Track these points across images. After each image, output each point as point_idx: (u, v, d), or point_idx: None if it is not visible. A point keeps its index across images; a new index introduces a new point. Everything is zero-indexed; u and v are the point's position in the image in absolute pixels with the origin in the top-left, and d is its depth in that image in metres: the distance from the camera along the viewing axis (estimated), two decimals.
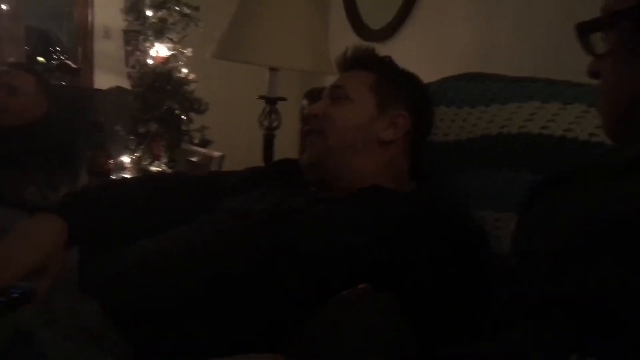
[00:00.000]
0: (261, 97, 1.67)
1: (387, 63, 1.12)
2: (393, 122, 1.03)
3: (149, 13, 1.74)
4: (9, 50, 3.96)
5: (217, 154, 1.63)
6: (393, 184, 1.02)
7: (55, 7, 6.04)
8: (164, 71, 1.74)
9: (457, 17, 1.83)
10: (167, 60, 1.76)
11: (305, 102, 1.51)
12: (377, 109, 1.03)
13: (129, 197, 1.05)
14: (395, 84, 1.06)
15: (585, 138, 0.90)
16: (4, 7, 3.97)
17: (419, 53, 1.97)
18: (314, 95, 1.50)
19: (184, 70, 1.80)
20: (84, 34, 4.44)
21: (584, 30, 0.59)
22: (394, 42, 2.14)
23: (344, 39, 2.40)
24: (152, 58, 1.76)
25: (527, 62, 1.52)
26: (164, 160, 1.71)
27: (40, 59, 4.89)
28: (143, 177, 1.61)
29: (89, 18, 4.39)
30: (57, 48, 5.44)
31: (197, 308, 0.83)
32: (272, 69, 1.64)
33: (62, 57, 4.67)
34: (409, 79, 1.11)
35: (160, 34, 1.75)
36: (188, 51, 1.80)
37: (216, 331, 0.81)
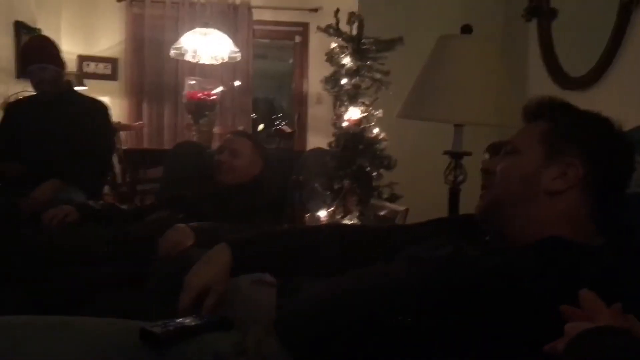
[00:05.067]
0: (446, 152, 1.71)
1: (563, 111, 1.08)
2: (563, 171, 0.98)
3: (344, 81, 1.93)
4: (239, 119, 4.64)
5: (401, 208, 1.71)
6: (573, 236, 0.97)
7: (279, 79, 6.90)
8: (357, 132, 1.90)
9: None
10: (359, 121, 1.91)
11: (486, 155, 1.51)
12: (545, 159, 1.00)
13: (306, 242, 1.18)
14: (569, 132, 1.02)
15: None
16: (237, 84, 4.69)
17: (626, 100, 1.82)
18: (495, 148, 1.49)
19: (375, 130, 1.93)
20: (299, 101, 5.01)
21: None
22: (597, 90, 2.00)
23: (542, 89, 2.32)
24: (347, 121, 1.93)
25: None
26: (355, 214, 1.83)
27: (260, 126, 5.59)
28: (324, 225, 1.75)
29: (304, 87, 4.94)
30: (279, 114, 6.18)
31: (370, 349, 0.89)
32: (457, 125, 1.67)
33: (282, 123, 5.30)
34: (589, 126, 1.04)
35: (354, 99, 1.92)
36: (379, 112, 1.94)
37: None
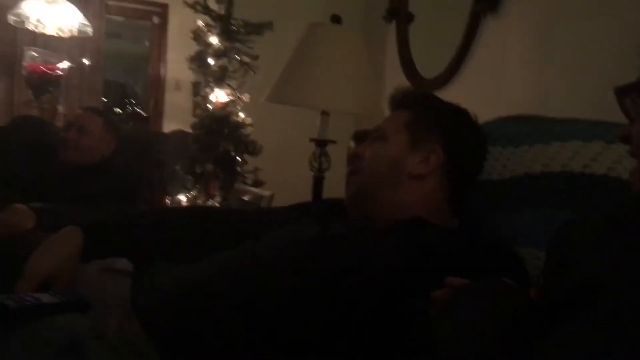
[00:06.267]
0: (312, 140, 1.73)
1: (427, 100, 1.15)
2: (426, 157, 1.05)
3: (210, 61, 1.86)
4: (88, 100, 4.27)
5: (267, 193, 1.69)
6: (431, 217, 1.03)
7: (133, 62, 6.50)
8: (222, 115, 1.84)
9: (511, 67, 1.84)
10: (225, 105, 1.86)
11: (352, 143, 1.55)
12: (409, 145, 1.06)
13: (167, 223, 1.11)
14: (432, 120, 1.08)
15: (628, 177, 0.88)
16: (86, 62, 4.32)
17: (472, 101, 1.99)
18: (360, 137, 1.54)
19: (241, 115, 1.89)
20: (156, 86, 4.75)
21: (621, 93, 0.61)
22: (447, 91, 2.16)
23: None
24: (212, 103, 1.87)
25: (580, 108, 1.51)
26: (218, 199, 1.78)
27: (117, 110, 5.24)
28: (188, 207, 1.69)
29: (162, 72, 4.70)
30: (132, 100, 5.82)
31: (237, 332, 0.85)
32: (324, 113, 1.69)
33: (136, 108, 5.00)
34: (450, 116, 1.12)
35: (220, 81, 1.86)
36: (245, 97, 1.90)
37: (256, 354, 0.83)
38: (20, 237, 1.41)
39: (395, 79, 2.48)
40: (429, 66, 2.31)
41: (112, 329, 0.89)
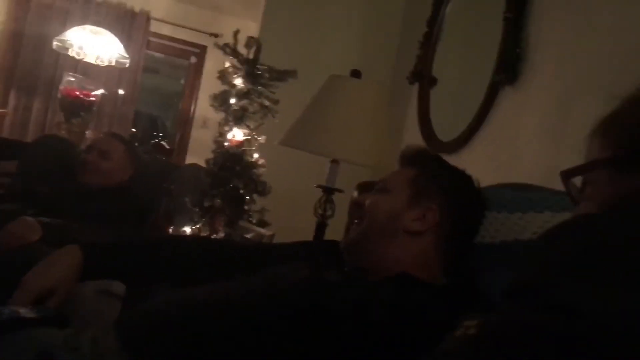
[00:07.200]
0: (319, 186, 1.76)
1: (433, 162, 1.18)
2: (423, 215, 1.07)
3: (232, 101, 1.94)
4: (118, 129, 4.42)
5: (268, 232, 1.72)
6: (423, 274, 1.04)
7: (167, 98, 6.73)
8: (237, 153, 1.90)
9: (525, 138, 1.87)
10: (241, 144, 1.92)
11: (355, 194, 1.58)
12: (409, 201, 1.08)
13: (166, 250, 1.14)
14: (433, 179, 1.11)
15: None
16: (121, 92, 4.49)
17: (485, 166, 2.01)
18: (364, 187, 1.57)
19: (255, 155, 1.94)
20: (184, 122, 4.90)
21: (566, 176, 0.62)
22: (461, 155, 2.19)
23: None
24: (229, 141, 1.93)
25: None
26: (221, 234, 1.81)
27: (160, 140, 5.38)
28: (189, 236, 1.71)
29: (191, 109, 4.86)
30: (160, 133, 5.98)
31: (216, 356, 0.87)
32: (333, 161, 1.74)
33: (162, 141, 5.14)
34: (452, 179, 1.15)
35: (239, 121, 1.93)
36: (262, 138, 1.96)
37: None
38: (25, 248, 1.45)
39: (413, 138, 2.53)
40: (446, 129, 2.35)
41: (86, 344, 0.91)
